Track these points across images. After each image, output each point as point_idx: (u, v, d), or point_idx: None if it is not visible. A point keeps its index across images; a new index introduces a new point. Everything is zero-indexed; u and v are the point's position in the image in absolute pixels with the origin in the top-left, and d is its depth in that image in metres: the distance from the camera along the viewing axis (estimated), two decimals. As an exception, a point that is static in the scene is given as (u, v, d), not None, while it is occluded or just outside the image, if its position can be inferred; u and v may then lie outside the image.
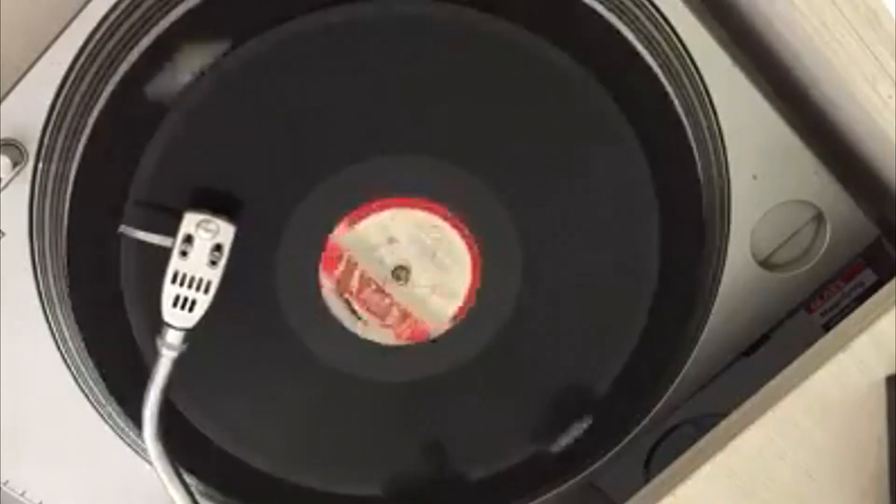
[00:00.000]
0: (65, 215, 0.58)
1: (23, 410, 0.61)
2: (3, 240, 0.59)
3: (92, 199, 0.58)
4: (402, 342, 0.61)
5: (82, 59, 0.57)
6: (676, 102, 0.60)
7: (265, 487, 0.63)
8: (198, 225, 0.56)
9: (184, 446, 0.60)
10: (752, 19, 0.61)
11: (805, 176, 0.62)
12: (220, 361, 0.61)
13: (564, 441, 0.64)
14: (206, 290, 0.56)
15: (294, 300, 0.60)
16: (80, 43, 0.57)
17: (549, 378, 0.63)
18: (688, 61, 0.60)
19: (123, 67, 0.57)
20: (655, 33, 0.59)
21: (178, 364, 0.58)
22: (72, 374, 0.61)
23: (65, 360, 0.61)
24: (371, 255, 0.60)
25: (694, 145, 0.60)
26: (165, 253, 0.56)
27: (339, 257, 0.59)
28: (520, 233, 0.60)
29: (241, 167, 0.58)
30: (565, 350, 0.63)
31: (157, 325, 0.57)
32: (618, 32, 0.59)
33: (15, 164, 0.57)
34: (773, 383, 0.58)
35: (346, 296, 0.60)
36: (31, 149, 0.58)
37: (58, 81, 0.57)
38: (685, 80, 0.60)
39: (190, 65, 0.57)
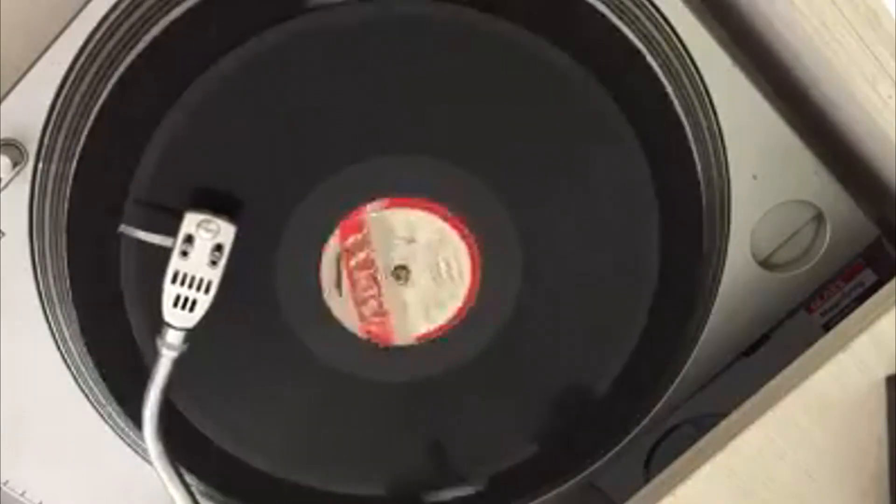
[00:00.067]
0: (65, 215, 0.58)
1: (23, 410, 0.61)
2: (3, 240, 0.59)
3: (92, 199, 0.58)
4: (360, 333, 0.61)
5: (82, 59, 0.57)
6: (676, 102, 0.60)
7: (265, 487, 0.63)
8: (198, 225, 0.56)
9: (184, 446, 0.60)
10: (752, 19, 0.61)
11: (805, 176, 0.62)
12: (220, 361, 0.61)
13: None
14: (207, 290, 0.56)
15: (294, 300, 0.60)
16: (80, 43, 0.57)
17: (549, 378, 0.63)
18: (688, 61, 0.60)
19: (123, 67, 0.57)
20: (655, 33, 0.59)
21: (178, 364, 0.58)
22: (72, 374, 0.61)
23: (65, 360, 0.61)
24: (387, 243, 0.60)
25: (694, 145, 0.60)
26: (166, 253, 0.56)
27: (359, 229, 0.59)
28: (520, 233, 0.60)
29: (242, 167, 0.58)
30: (565, 350, 0.63)
31: (158, 325, 0.57)
32: (618, 32, 0.59)
33: (15, 164, 0.57)
34: (773, 383, 0.58)
35: (343, 265, 0.59)
36: (31, 149, 0.58)
37: (58, 81, 0.57)
38: (685, 80, 0.60)
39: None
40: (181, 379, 0.58)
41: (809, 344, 0.58)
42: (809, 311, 0.70)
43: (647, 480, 0.65)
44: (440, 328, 0.61)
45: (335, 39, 0.57)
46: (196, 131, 0.57)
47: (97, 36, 0.57)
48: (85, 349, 0.60)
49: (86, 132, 0.58)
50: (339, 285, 0.59)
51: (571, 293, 0.62)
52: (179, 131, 0.57)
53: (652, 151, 0.60)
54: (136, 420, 0.59)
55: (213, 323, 0.57)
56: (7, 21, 0.59)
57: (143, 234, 0.56)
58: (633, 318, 0.62)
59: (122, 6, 0.57)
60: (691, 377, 0.64)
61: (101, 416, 0.62)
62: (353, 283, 0.60)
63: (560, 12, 0.58)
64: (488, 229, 0.60)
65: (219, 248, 0.56)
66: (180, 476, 0.59)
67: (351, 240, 0.59)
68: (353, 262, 0.59)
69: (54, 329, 0.60)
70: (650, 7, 0.59)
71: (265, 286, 0.60)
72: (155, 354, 0.57)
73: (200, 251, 0.56)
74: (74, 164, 0.58)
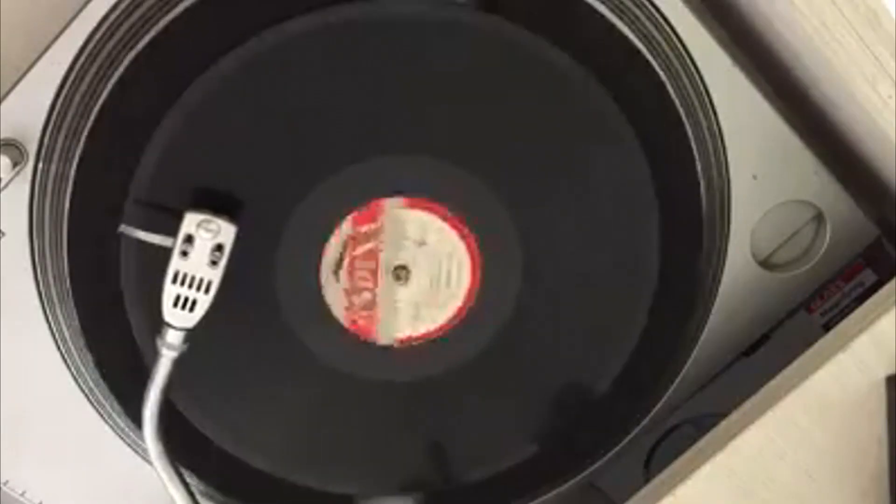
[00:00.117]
0: (65, 215, 0.58)
1: (23, 410, 0.61)
2: (3, 240, 0.59)
3: (92, 199, 0.58)
4: (344, 322, 0.61)
5: (82, 59, 0.57)
6: (676, 102, 0.60)
7: (265, 487, 0.63)
8: (198, 225, 0.56)
9: (184, 446, 0.60)
10: (752, 19, 0.61)
11: (805, 176, 0.62)
12: (220, 361, 0.61)
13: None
14: (207, 290, 0.56)
15: (294, 300, 0.60)
16: (80, 43, 0.57)
17: (549, 378, 0.63)
18: (688, 61, 0.60)
19: (123, 67, 0.57)
20: (655, 33, 0.59)
21: (178, 364, 0.58)
22: (72, 374, 0.61)
23: (65, 360, 0.61)
24: (396, 241, 0.60)
25: (694, 145, 0.60)
26: (166, 253, 0.56)
27: (375, 219, 0.59)
28: (520, 233, 0.60)
29: (242, 167, 0.58)
30: (565, 350, 0.63)
31: (158, 324, 0.57)
32: (618, 32, 0.59)
33: (15, 164, 0.57)
34: (773, 383, 0.58)
35: (347, 252, 0.59)
36: (31, 149, 0.58)
37: (58, 81, 0.57)
38: (685, 80, 0.60)
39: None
40: (181, 379, 0.58)
41: (809, 344, 0.58)
42: (809, 311, 0.70)
43: (647, 480, 0.65)
44: (425, 334, 0.61)
45: (335, 39, 0.57)
46: (196, 131, 0.57)
47: (97, 36, 0.57)
48: (85, 349, 0.60)
49: (86, 132, 0.58)
50: (337, 271, 0.59)
51: (571, 293, 0.62)
52: (179, 131, 0.57)
53: (652, 151, 0.60)
54: (136, 420, 0.59)
55: (213, 323, 0.57)
56: (7, 21, 0.59)
57: (143, 234, 0.56)
58: (633, 318, 0.62)
59: (122, 6, 0.57)
60: (691, 377, 0.64)
61: (101, 416, 0.62)
62: (352, 272, 0.60)
63: (560, 12, 0.58)
64: (488, 229, 0.60)
65: (219, 248, 0.56)
66: (180, 476, 0.59)
67: (364, 228, 0.59)
68: (358, 251, 0.59)
69: (54, 329, 0.60)
70: (650, 7, 0.59)
71: (265, 286, 0.60)
72: (155, 354, 0.57)
73: (201, 251, 0.56)
74: (74, 164, 0.58)
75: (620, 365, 0.63)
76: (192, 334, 0.57)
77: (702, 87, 0.60)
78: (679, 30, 0.59)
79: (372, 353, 0.62)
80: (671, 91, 0.60)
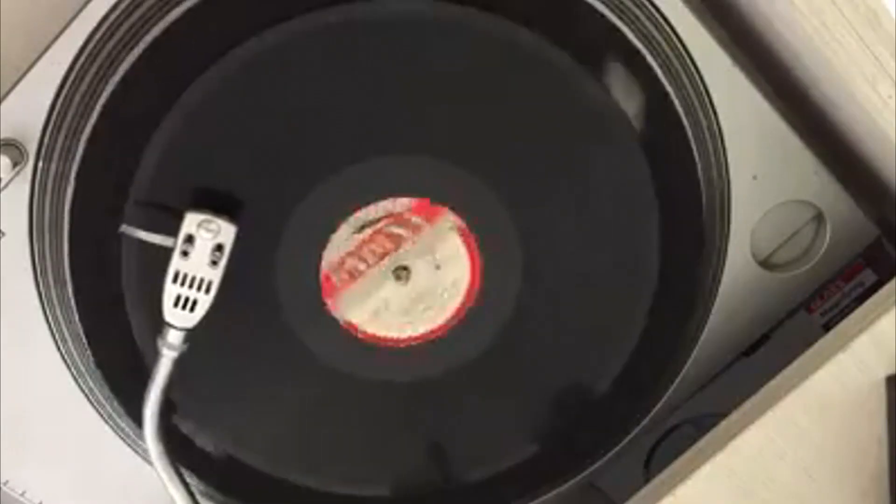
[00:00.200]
0: (65, 215, 0.58)
1: (23, 410, 0.61)
2: (3, 240, 0.59)
3: (92, 199, 0.58)
4: (322, 281, 0.60)
5: (82, 59, 0.57)
6: (676, 102, 0.60)
7: (265, 487, 0.63)
8: (199, 225, 0.56)
9: (184, 446, 0.60)
10: (752, 19, 0.61)
11: (805, 176, 0.62)
12: (220, 361, 0.61)
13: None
14: (207, 290, 0.56)
15: (294, 300, 0.60)
16: (80, 43, 0.57)
17: (550, 378, 0.63)
18: (688, 61, 0.60)
19: (123, 67, 0.57)
20: (655, 33, 0.59)
21: (178, 364, 0.58)
22: (72, 374, 0.61)
23: (65, 360, 0.61)
24: (424, 251, 0.60)
25: (694, 145, 0.60)
26: (166, 253, 0.56)
27: (429, 219, 0.59)
28: (520, 233, 0.60)
29: (242, 167, 0.58)
30: (565, 350, 0.63)
31: (158, 325, 0.57)
32: (618, 32, 0.59)
33: (15, 164, 0.57)
34: (773, 383, 0.58)
35: (385, 221, 0.59)
36: (31, 149, 0.58)
37: (58, 81, 0.57)
38: (685, 80, 0.60)
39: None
40: (181, 379, 0.58)
41: (809, 344, 0.58)
42: (809, 311, 0.70)
43: (647, 480, 0.65)
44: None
45: (335, 39, 0.57)
46: (196, 131, 0.57)
47: (97, 36, 0.57)
48: (85, 349, 0.60)
49: (86, 132, 0.58)
50: (360, 231, 0.58)
51: (571, 293, 0.62)
52: (180, 131, 0.57)
53: (652, 151, 0.60)
54: (137, 420, 0.59)
55: (214, 323, 0.57)
56: (7, 21, 0.59)
57: (143, 234, 0.56)
58: (633, 318, 0.62)
59: (122, 6, 0.57)
60: (691, 377, 0.64)
61: (101, 416, 0.62)
62: (370, 241, 0.59)
63: (560, 12, 0.58)
64: (488, 229, 0.60)
65: (219, 248, 0.56)
66: (180, 476, 0.59)
67: (414, 218, 0.59)
68: (391, 229, 0.59)
69: (54, 329, 0.60)
70: (650, 7, 0.59)
71: (265, 286, 0.60)
72: (155, 354, 0.57)
73: (201, 251, 0.56)
74: (75, 164, 0.58)
75: (620, 365, 0.63)
76: (192, 334, 0.57)
77: (702, 87, 0.60)
78: (679, 30, 0.59)
79: (372, 353, 0.62)
80: (671, 91, 0.60)
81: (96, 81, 0.57)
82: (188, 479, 0.59)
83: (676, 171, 0.61)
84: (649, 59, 0.59)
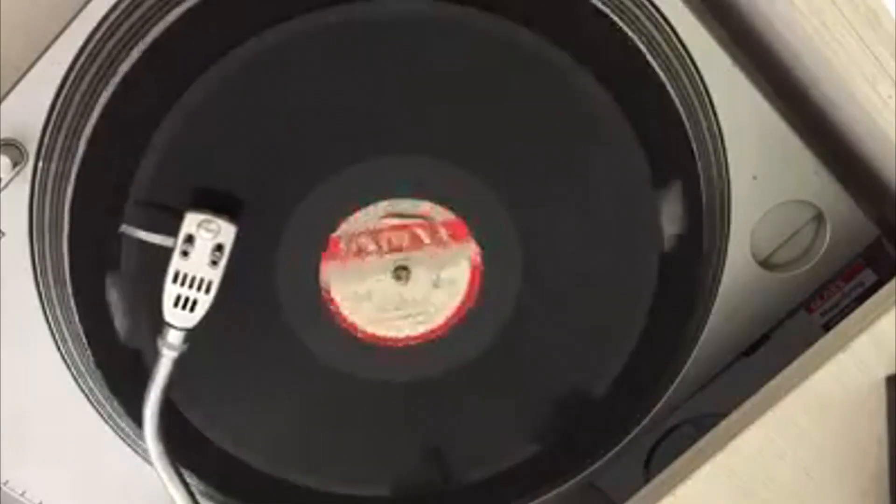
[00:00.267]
0: (65, 215, 0.58)
1: (23, 410, 0.61)
2: (3, 240, 0.59)
3: (92, 199, 0.58)
4: (326, 231, 0.60)
5: (82, 59, 0.57)
6: (676, 102, 0.60)
7: (265, 487, 0.63)
8: (199, 225, 0.56)
9: (184, 446, 0.60)
10: (752, 19, 0.61)
11: (805, 176, 0.62)
12: (220, 361, 0.61)
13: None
14: (207, 290, 0.56)
15: (294, 300, 0.60)
16: (80, 43, 0.57)
17: (549, 378, 0.63)
18: (688, 61, 0.60)
19: (123, 67, 0.57)
20: (655, 33, 0.59)
21: (178, 364, 0.58)
22: (72, 374, 0.61)
23: (65, 361, 0.61)
24: (433, 267, 0.60)
25: (694, 145, 0.60)
26: (166, 253, 0.56)
27: (454, 235, 0.60)
28: (520, 233, 0.60)
29: (242, 167, 0.58)
30: (565, 350, 0.63)
31: (158, 325, 0.57)
32: (618, 32, 0.59)
33: (15, 164, 0.57)
34: (773, 383, 0.58)
35: (399, 220, 0.59)
36: (31, 149, 0.58)
37: (58, 81, 0.57)
38: (685, 80, 0.60)
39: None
40: (181, 379, 0.58)
41: (809, 344, 0.58)
42: (809, 311, 0.70)
43: (647, 480, 0.65)
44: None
45: (335, 39, 0.57)
46: (196, 131, 0.57)
47: (97, 36, 0.57)
48: (85, 349, 0.60)
49: (86, 132, 0.58)
50: (389, 216, 0.58)
51: (571, 293, 0.62)
52: (180, 131, 0.57)
53: (652, 151, 0.60)
54: (137, 420, 0.59)
55: (214, 323, 0.57)
56: (7, 21, 0.59)
57: (143, 234, 0.56)
58: (633, 318, 0.62)
59: (122, 6, 0.57)
60: (691, 377, 0.64)
61: (101, 416, 0.62)
62: (386, 230, 0.59)
63: (560, 12, 0.58)
64: (488, 229, 0.60)
65: (219, 248, 0.56)
66: (180, 476, 0.59)
67: (442, 231, 0.59)
68: (415, 228, 0.59)
69: (54, 329, 0.60)
70: (650, 7, 0.59)
71: (265, 286, 0.60)
72: (155, 354, 0.57)
73: (201, 251, 0.56)
74: (75, 164, 0.58)
75: (620, 365, 0.63)
76: (192, 334, 0.57)
77: (702, 87, 0.60)
78: (679, 30, 0.59)
79: (372, 353, 0.62)
80: (671, 91, 0.60)
81: (96, 81, 0.57)
82: (188, 479, 0.59)
83: (676, 171, 0.61)
84: (649, 59, 0.59)
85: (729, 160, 0.61)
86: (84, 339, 0.60)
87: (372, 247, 0.60)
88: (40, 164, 0.58)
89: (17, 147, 0.58)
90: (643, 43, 0.59)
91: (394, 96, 0.58)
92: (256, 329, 0.60)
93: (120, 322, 0.59)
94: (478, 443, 0.64)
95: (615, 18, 0.59)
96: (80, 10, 0.57)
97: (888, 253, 0.67)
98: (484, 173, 0.59)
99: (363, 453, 0.64)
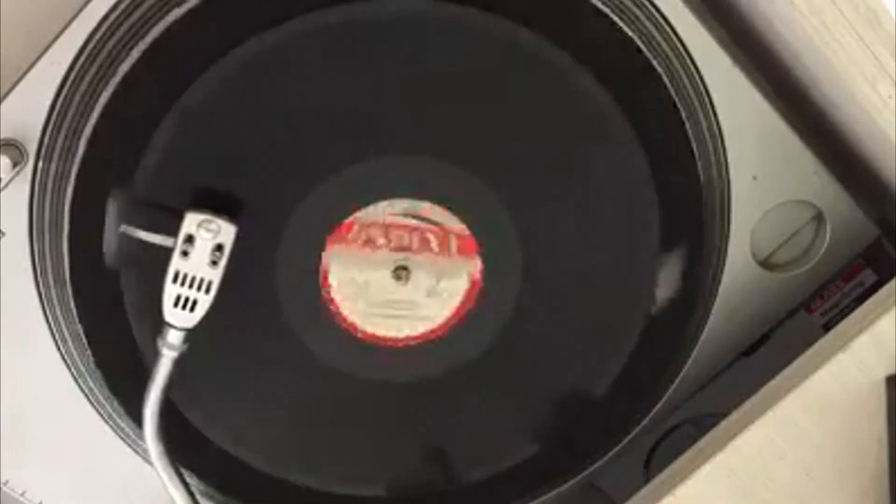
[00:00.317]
0: (65, 215, 0.58)
1: (23, 410, 0.61)
2: (3, 240, 0.59)
3: (92, 199, 0.58)
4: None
5: (82, 59, 0.57)
6: (676, 102, 0.60)
7: (265, 487, 0.63)
8: (199, 225, 0.56)
9: (184, 446, 0.60)
10: (752, 19, 0.61)
11: (805, 176, 0.62)
12: (220, 361, 0.61)
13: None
14: (207, 290, 0.56)
15: (294, 300, 0.60)
16: (80, 43, 0.57)
17: (549, 378, 0.63)
18: (688, 61, 0.60)
19: (123, 67, 0.57)
20: (655, 33, 0.59)
21: (178, 364, 0.58)
22: (72, 374, 0.61)
23: (65, 360, 0.61)
24: (433, 275, 0.60)
25: (694, 145, 0.60)
26: (166, 253, 0.56)
27: (464, 249, 0.60)
28: (520, 233, 0.60)
29: (242, 167, 0.58)
30: (565, 350, 0.63)
31: (158, 324, 0.57)
32: (618, 32, 0.59)
33: (15, 164, 0.57)
34: (773, 383, 0.58)
35: (416, 221, 0.59)
36: (31, 149, 0.58)
37: (58, 81, 0.57)
38: (685, 80, 0.60)
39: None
40: (181, 379, 0.58)
41: (809, 344, 0.58)
42: (809, 311, 0.70)
43: (647, 480, 0.65)
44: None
45: (335, 39, 0.57)
46: (196, 131, 0.57)
47: (97, 36, 0.57)
48: (85, 349, 0.60)
49: (86, 132, 0.58)
50: (407, 213, 0.58)
51: (571, 293, 0.62)
52: (180, 131, 0.57)
53: (652, 151, 0.60)
54: (137, 420, 0.59)
55: (214, 323, 0.57)
56: (7, 21, 0.59)
57: (143, 234, 0.56)
58: (633, 318, 0.62)
59: (122, 6, 0.57)
60: (691, 377, 0.64)
61: (101, 416, 0.62)
62: (400, 227, 0.59)
63: (560, 12, 0.58)
64: (488, 229, 0.60)
65: (219, 248, 0.56)
66: (180, 476, 0.59)
67: (454, 244, 0.59)
68: (424, 231, 0.59)
69: (54, 329, 0.60)
70: (650, 7, 0.59)
71: (265, 286, 0.60)
72: (155, 354, 0.57)
73: (201, 251, 0.56)
74: (75, 163, 0.58)
75: (620, 365, 0.63)
76: (192, 334, 0.57)
77: (702, 87, 0.60)
78: (679, 30, 0.59)
79: (371, 353, 0.62)
80: (671, 91, 0.60)
81: (96, 81, 0.57)
82: (188, 479, 0.59)
83: (676, 171, 0.61)
84: (649, 59, 0.59)
85: (729, 160, 0.61)
86: (84, 339, 0.60)
87: (381, 240, 0.60)
88: (40, 164, 0.58)
89: (17, 147, 0.58)
90: (643, 43, 0.59)
91: (394, 96, 0.58)
92: (256, 329, 0.60)
93: (120, 322, 0.59)
94: (478, 443, 0.64)
95: (615, 18, 0.59)
96: (80, 10, 0.57)
97: (888, 253, 0.67)
98: (484, 173, 0.59)
99: (363, 453, 0.64)
